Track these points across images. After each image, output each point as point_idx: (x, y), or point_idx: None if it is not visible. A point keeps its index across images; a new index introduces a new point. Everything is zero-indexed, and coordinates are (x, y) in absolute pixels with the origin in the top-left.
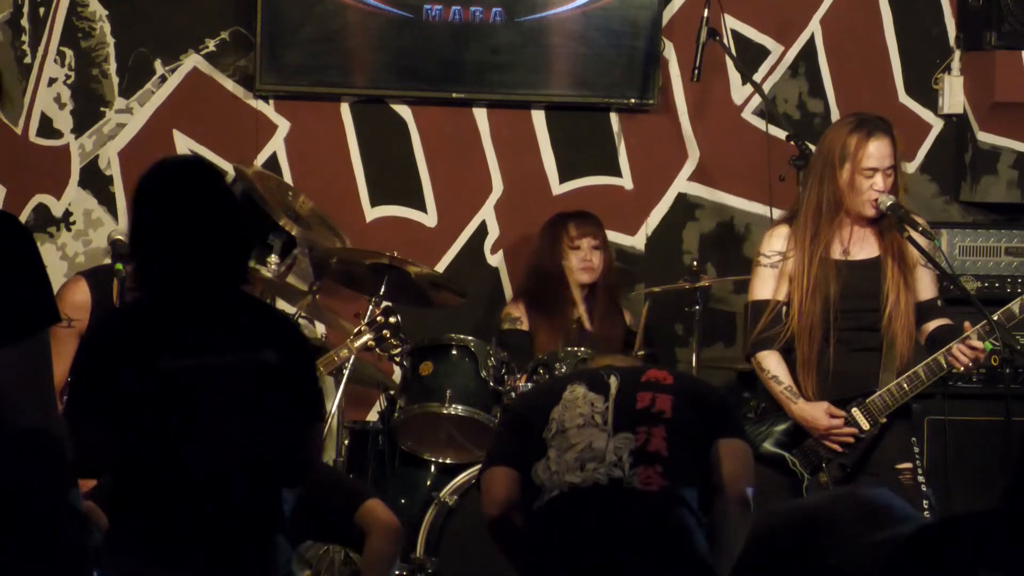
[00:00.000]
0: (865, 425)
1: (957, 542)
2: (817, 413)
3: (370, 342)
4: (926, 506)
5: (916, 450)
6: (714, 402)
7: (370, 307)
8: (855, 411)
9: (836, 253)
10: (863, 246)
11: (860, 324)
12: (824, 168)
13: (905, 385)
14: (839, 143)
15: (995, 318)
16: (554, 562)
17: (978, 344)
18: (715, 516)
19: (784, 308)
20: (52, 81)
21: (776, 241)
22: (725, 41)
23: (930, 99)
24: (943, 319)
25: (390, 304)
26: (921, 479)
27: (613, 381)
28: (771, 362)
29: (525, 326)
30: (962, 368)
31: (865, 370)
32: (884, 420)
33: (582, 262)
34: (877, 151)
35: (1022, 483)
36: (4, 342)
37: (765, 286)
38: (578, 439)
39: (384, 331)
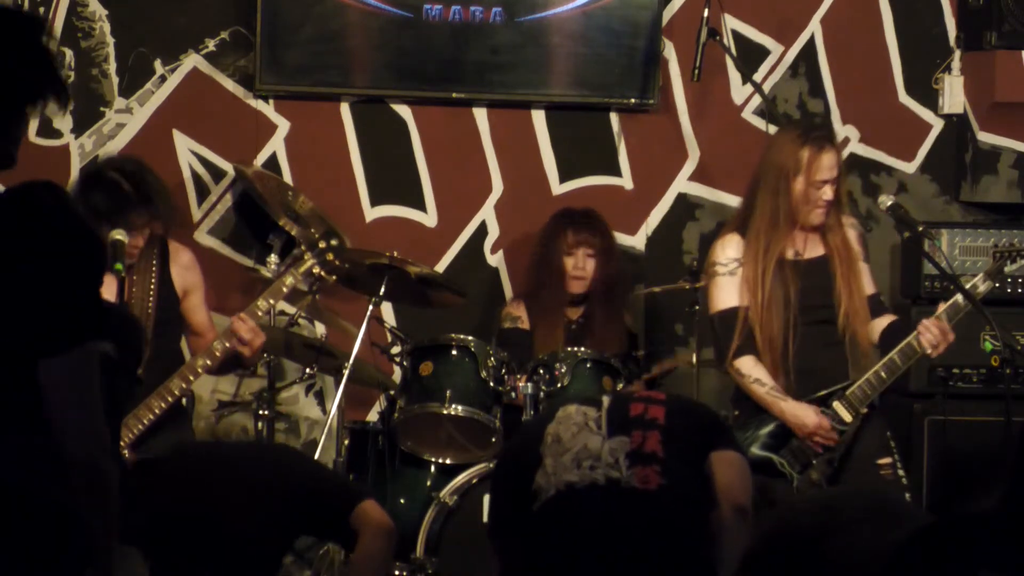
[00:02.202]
0: (848, 417)
1: (957, 542)
2: (806, 413)
3: (315, 267)
4: (907, 498)
5: (892, 444)
6: (706, 416)
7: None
8: (836, 405)
9: (789, 255)
10: (812, 246)
11: (818, 319)
12: (778, 181)
13: (883, 373)
14: (792, 156)
15: (958, 299)
16: (554, 562)
17: (944, 321)
18: (712, 527)
19: (748, 314)
20: None
21: (730, 249)
22: (725, 41)
23: (930, 99)
24: (889, 315)
25: (332, 231)
26: (901, 473)
27: (605, 399)
28: (750, 366)
29: (525, 325)
30: (930, 345)
31: (829, 365)
32: (866, 410)
33: (575, 269)
34: (828, 163)
35: (1021, 483)
36: (51, 351)
37: (729, 295)
38: (573, 443)
39: (328, 254)
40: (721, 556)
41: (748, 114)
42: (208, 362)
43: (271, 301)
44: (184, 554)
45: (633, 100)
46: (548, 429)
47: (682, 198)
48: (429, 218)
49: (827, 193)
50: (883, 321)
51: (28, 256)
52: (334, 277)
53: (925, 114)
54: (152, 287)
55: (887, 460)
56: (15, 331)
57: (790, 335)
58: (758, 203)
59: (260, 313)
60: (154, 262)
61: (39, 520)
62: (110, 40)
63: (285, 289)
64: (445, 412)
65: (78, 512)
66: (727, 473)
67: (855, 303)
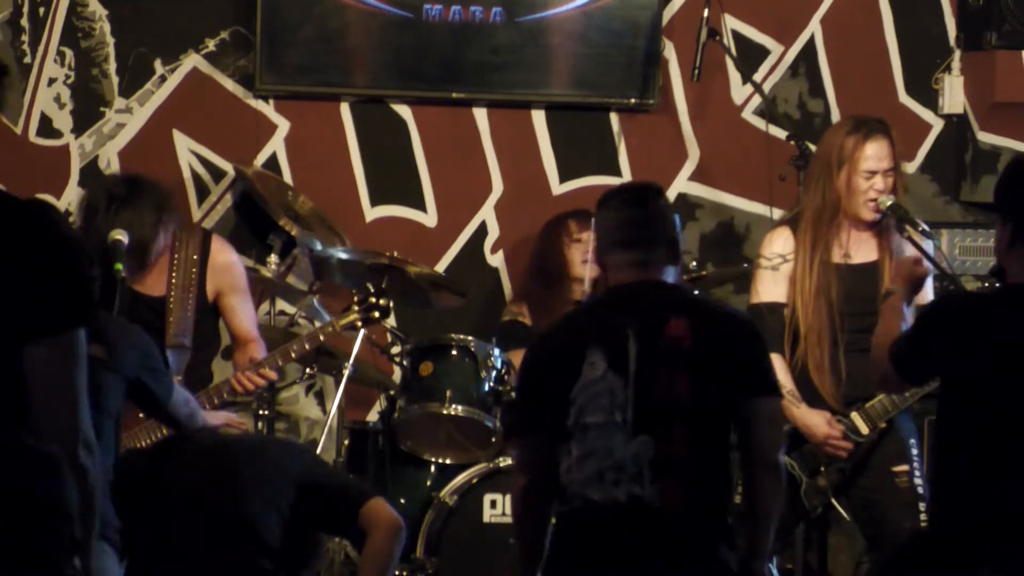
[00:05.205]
0: (864, 430)
1: (956, 543)
2: (818, 421)
3: (358, 322)
4: (922, 508)
5: (915, 452)
6: (741, 354)
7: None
8: (854, 415)
9: (836, 256)
10: (862, 249)
11: (864, 326)
12: (822, 172)
13: (906, 392)
14: (836, 146)
15: None
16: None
17: None
18: (745, 486)
19: (784, 310)
20: (52, 81)
21: (777, 243)
22: (725, 41)
23: (930, 99)
24: None
25: (384, 288)
26: (918, 482)
27: (632, 348)
28: (775, 365)
29: (527, 320)
30: None
31: (860, 373)
32: (884, 425)
33: (584, 255)
34: (875, 152)
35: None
36: (37, 337)
37: (766, 289)
38: (598, 443)
39: (373, 312)
40: (758, 517)
41: (748, 114)
42: (233, 396)
43: (307, 346)
44: (193, 534)
45: (633, 100)
46: (573, 393)
47: (682, 198)
48: (429, 218)
49: (877, 184)
50: None
51: (14, 242)
52: (373, 335)
53: (925, 114)
54: (192, 285)
55: (903, 468)
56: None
57: (838, 338)
58: (808, 197)
59: (294, 356)
60: (195, 259)
61: (25, 513)
62: (110, 40)
63: (322, 338)
64: (445, 412)
65: (66, 505)
66: (762, 427)
67: None
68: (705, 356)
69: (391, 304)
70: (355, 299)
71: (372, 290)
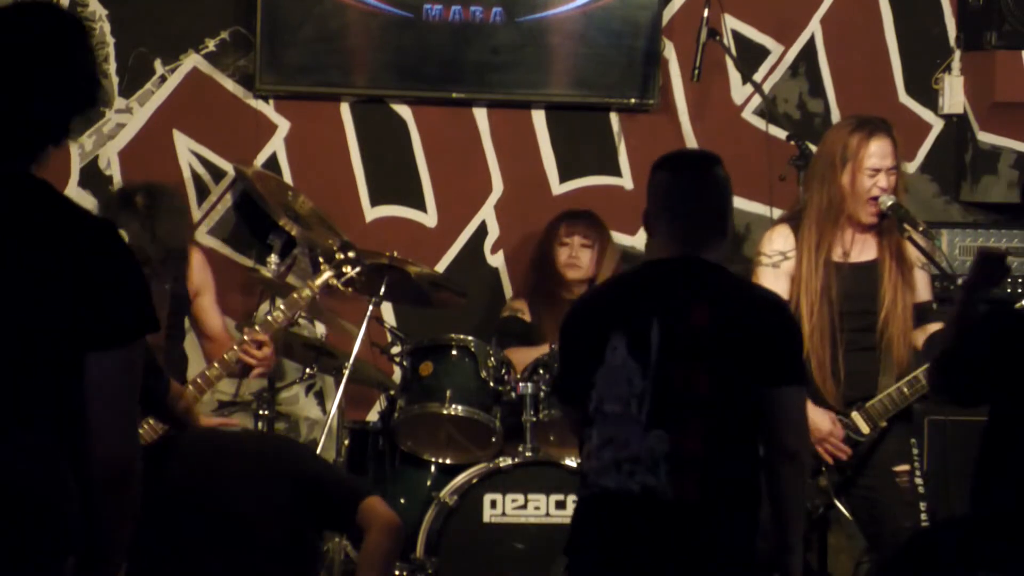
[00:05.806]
0: (865, 429)
1: (956, 543)
2: (821, 419)
3: (331, 279)
4: (923, 508)
5: (915, 452)
6: (767, 342)
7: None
8: (855, 415)
9: (836, 255)
10: (862, 248)
11: (863, 325)
12: (825, 170)
13: (905, 390)
14: (840, 144)
15: None
16: (590, 564)
17: None
18: (766, 477)
19: None
20: None
21: (777, 241)
22: (725, 41)
23: (930, 99)
24: (939, 323)
25: (349, 242)
26: (919, 481)
27: (654, 337)
28: None
29: (526, 317)
30: None
31: (860, 372)
32: (884, 424)
33: (568, 258)
34: (878, 150)
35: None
36: (100, 346)
37: (766, 286)
38: (616, 431)
39: (345, 266)
40: (782, 508)
41: (748, 114)
42: (222, 373)
43: (288, 314)
44: (193, 534)
45: (633, 100)
46: (596, 377)
47: None
48: (429, 218)
49: (881, 182)
50: (930, 328)
51: (83, 253)
52: (350, 289)
53: (925, 114)
54: (167, 286)
55: (904, 468)
56: (69, 325)
57: (838, 337)
58: (811, 195)
59: (276, 326)
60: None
61: (23, 511)
62: (110, 40)
63: (302, 302)
64: (445, 412)
65: (62, 504)
66: (783, 416)
67: (896, 312)
68: (729, 345)
69: (360, 256)
70: (321, 261)
71: (336, 247)
